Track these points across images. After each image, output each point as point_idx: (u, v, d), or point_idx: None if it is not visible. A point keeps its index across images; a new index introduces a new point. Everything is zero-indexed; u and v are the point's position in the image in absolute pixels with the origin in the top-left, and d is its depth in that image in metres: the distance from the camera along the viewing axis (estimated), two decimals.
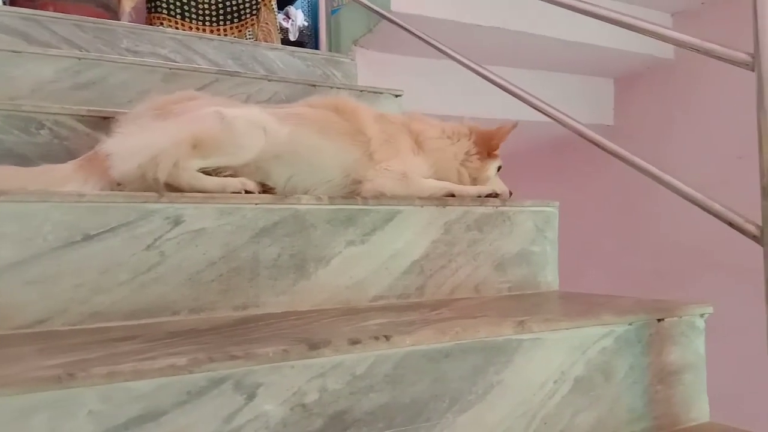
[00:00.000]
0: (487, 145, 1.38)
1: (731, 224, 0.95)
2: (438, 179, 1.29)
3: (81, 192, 0.89)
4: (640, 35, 1.11)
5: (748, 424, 0.96)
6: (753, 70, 0.90)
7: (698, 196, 0.99)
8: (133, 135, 1.01)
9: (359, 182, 1.19)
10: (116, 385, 0.60)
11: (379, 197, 1.13)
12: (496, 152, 1.40)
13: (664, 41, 1.05)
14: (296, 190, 1.14)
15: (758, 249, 0.91)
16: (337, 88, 1.75)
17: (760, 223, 0.90)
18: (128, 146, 0.99)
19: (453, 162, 1.35)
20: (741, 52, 0.92)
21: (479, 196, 1.26)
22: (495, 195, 1.29)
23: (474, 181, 1.37)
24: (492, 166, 1.39)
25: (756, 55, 0.89)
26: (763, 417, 0.89)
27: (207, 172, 1.05)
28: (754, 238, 0.91)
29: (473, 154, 1.38)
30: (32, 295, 0.84)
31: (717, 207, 0.96)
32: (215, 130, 1.02)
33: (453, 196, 1.24)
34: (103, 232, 0.89)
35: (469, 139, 1.39)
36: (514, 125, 1.39)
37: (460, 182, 1.34)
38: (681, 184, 1.01)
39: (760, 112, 0.89)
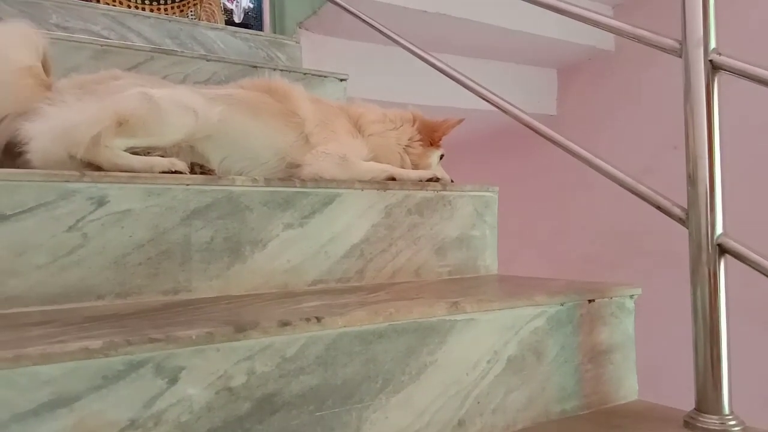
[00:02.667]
0: (430, 134, 1.38)
1: (659, 207, 0.97)
2: (383, 155, 1.29)
3: None
4: (582, 26, 1.13)
5: (674, 402, 0.99)
6: (680, 57, 0.92)
7: (628, 179, 1.01)
8: (52, 117, 0.95)
9: (297, 166, 1.17)
10: (22, 370, 0.57)
11: (318, 181, 1.12)
12: (440, 143, 1.40)
13: (598, 28, 1.07)
14: (230, 172, 1.11)
15: (684, 232, 0.94)
16: (281, 70, 1.71)
17: (686, 207, 0.93)
18: (47, 128, 0.93)
19: (395, 147, 1.34)
20: (669, 39, 0.94)
21: (420, 181, 1.26)
22: (436, 180, 1.29)
23: (416, 167, 1.37)
24: (434, 155, 1.40)
25: (683, 41, 0.91)
26: (687, 394, 0.93)
27: (136, 152, 1.00)
28: (680, 220, 0.94)
29: (416, 141, 1.38)
30: None
31: (645, 190, 0.98)
32: (141, 110, 0.98)
33: (394, 179, 1.24)
34: (19, 212, 0.84)
35: (413, 126, 1.39)
36: (460, 121, 1.40)
37: (402, 167, 1.34)
38: (612, 169, 1.04)
39: (687, 98, 0.91)
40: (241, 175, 1.11)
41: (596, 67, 2.76)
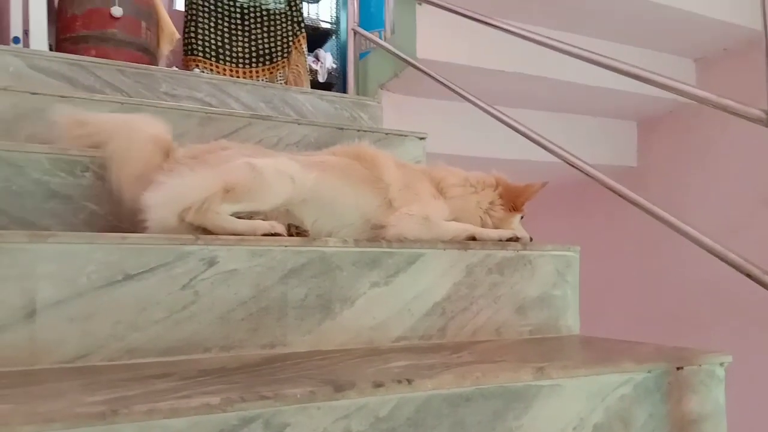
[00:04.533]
0: (513, 200, 1.40)
1: (749, 275, 0.96)
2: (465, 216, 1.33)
3: (124, 234, 0.94)
4: (671, 92, 1.14)
5: None
6: (767, 127, 0.93)
7: (717, 247, 1.00)
8: (169, 186, 1.07)
9: (381, 227, 1.23)
10: (154, 422, 0.64)
11: (403, 241, 1.17)
12: (522, 208, 1.43)
13: (681, 96, 1.08)
14: (321, 232, 1.18)
15: None
16: (364, 131, 1.81)
17: None
18: (164, 197, 1.05)
19: (476, 210, 1.38)
20: (756, 109, 0.95)
21: (500, 240, 1.29)
22: (516, 239, 1.31)
23: (496, 228, 1.40)
24: (516, 218, 1.42)
25: None
26: None
27: (240, 216, 1.10)
28: None
29: (498, 205, 1.40)
30: (74, 331, 0.89)
31: (735, 258, 0.98)
32: (246, 178, 1.08)
33: (474, 239, 1.27)
34: (142, 272, 0.94)
35: (495, 190, 1.41)
36: (543, 185, 1.42)
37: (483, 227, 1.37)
38: (699, 235, 1.03)
39: None
40: (330, 235, 1.18)
41: (678, 118, 2.71)
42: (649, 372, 0.96)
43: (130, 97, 1.73)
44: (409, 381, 0.79)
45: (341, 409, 0.74)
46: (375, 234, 1.24)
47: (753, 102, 0.97)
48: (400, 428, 0.78)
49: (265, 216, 1.13)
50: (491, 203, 1.39)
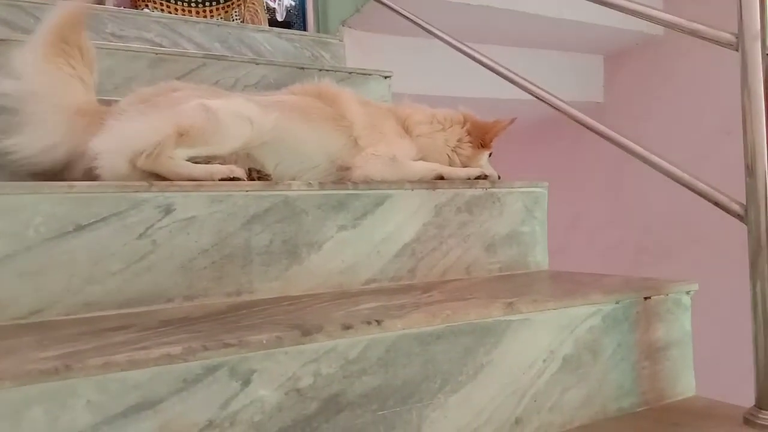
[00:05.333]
0: (481, 136, 1.38)
1: (717, 204, 0.96)
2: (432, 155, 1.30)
3: (71, 183, 0.88)
4: (638, 17, 1.11)
5: (733, 398, 0.98)
6: (737, 50, 0.90)
7: (684, 176, 1.00)
8: (117, 131, 1.00)
9: (347, 169, 1.19)
10: (112, 375, 0.61)
11: (369, 182, 1.14)
12: (491, 145, 1.40)
13: (651, 21, 1.05)
14: (284, 176, 1.14)
15: (743, 227, 0.92)
16: (326, 70, 1.74)
17: (745, 202, 0.91)
18: (114, 144, 0.99)
19: (443, 148, 1.35)
20: (726, 32, 0.92)
21: (468, 179, 1.27)
22: (484, 177, 1.30)
23: (464, 166, 1.37)
24: (484, 155, 1.40)
25: (740, 35, 0.89)
26: (746, 390, 0.92)
27: (197, 161, 1.05)
28: (738, 217, 0.93)
29: (466, 143, 1.38)
30: (26, 286, 0.84)
31: (703, 187, 0.97)
32: (200, 121, 1.02)
33: (443, 178, 1.25)
34: (94, 222, 0.89)
35: (463, 127, 1.39)
36: (512, 121, 1.40)
37: (451, 166, 1.35)
38: (667, 164, 1.02)
39: (744, 92, 0.90)
40: (294, 179, 1.14)
41: (644, 52, 2.69)
42: (617, 303, 0.97)
43: None
44: (379, 322, 0.77)
45: (310, 353, 0.73)
46: (341, 176, 1.20)
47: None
48: (370, 369, 0.77)
49: (223, 160, 1.08)
50: (459, 140, 1.37)
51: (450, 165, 1.34)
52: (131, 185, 0.91)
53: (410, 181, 1.18)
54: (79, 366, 0.60)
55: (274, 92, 1.28)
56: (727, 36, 0.92)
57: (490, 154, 1.41)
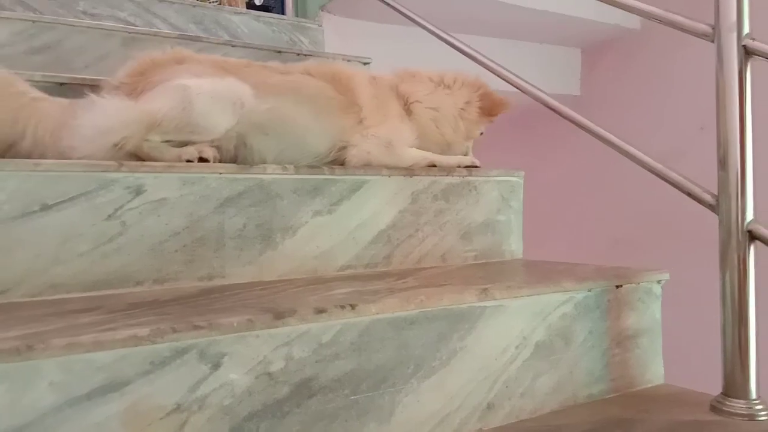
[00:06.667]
0: (491, 107, 1.38)
1: (689, 194, 0.97)
2: (435, 130, 1.31)
3: (37, 160, 0.86)
4: (607, 4, 1.12)
5: (701, 386, 1.00)
6: (713, 41, 0.91)
7: (658, 166, 1.01)
8: (97, 110, 0.97)
9: (344, 148, 1.18)
10: (77, 356, 0.60)
11: (364, 165, 1.14)
12: (494, 118, 1.40)
13: (628, 11, 1.06)
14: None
15: (715, 218, 0.94)
16: (304, 54, 1.71)
17: (717, 193, 0.93)
18: (90, 132, 0.96)
19: (452, 109, 1.34)
20: (702, 24, 0.93)
21: (459, 167, 1.27)
22: (475, 167, 1.30)
23: (466, 131, 1.37)
24: (482, 127, 1.40)
25: (716, 26, 0.90)
26: (715, 378, 0.94)
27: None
28: (710, 207, 0.94)
29: (475, 106, 1.37)
30: None
31: (676, 177, 0.98)
32: (174, 111, 0.99)
33: (434, 166, 1.25)
34: (61, 201, 0.87)
35: (476, 92, 1.38)
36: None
37: (455, 133, 1.35)
38: (642, 155, 1.03)
39: (719, 84, 0.91)
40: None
41: (622, 46, 2.71)
42: (589, 291, 0.98)
43: (43, 15, 1.57)
44: (353, 306, 0.77)
45: (282, 337, 0.72)
46: (337, 155, 1.18)
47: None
48: (343, 353, 0.76)
49: (211, 142, 1.05)
50: (467, 102, 1.35)
51: (454, 130, 1.34)
52: (100, 164, 0.89)
53: (399, 167, 1.18)
54: (42, 347, 0.58)
55: (292, 66, 1.24)
56: (703, 27, 0.93)
57: (481, 133, 1.41)
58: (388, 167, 1.16)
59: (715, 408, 0.91)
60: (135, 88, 1.05)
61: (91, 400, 0.61)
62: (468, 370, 0.85)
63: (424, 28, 1.71)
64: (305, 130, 1.14)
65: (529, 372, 0.91)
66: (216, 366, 0.67)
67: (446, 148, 1.35)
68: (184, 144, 1.02)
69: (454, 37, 1.61)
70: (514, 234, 1.33)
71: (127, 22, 1.71)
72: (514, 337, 0.90)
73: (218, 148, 1.05)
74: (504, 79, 1.40)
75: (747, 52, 0.89)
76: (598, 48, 2.81)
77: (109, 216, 0.89)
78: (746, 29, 0.89)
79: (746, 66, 0.89)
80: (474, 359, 0.86)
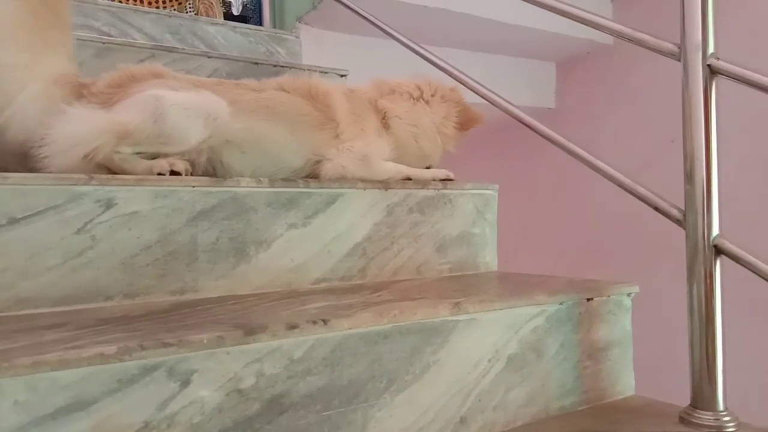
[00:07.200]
0: (468, 122, 1.40)
1: (657, 208, 0.99)
2: (414, 144, 1.32)
3: (4, 174, 0.84)
4: (584, 24, 1.14)
5: (671, 397, 1.02)
6: (680, 60, 0.93)
7: (626, 180, 1.03)
8: (69, 122, 0.96)
9: (319, 162, 1.18)
10: (42, 375, 0.58)
11: (339, 179, 1.14)
12: (468, 131, 1.41)
13: (598, 29, 1.08)
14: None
15: (683, 231, 0.95)
16: (281, 65, 1.71)
17: (683, 208, 0.94)
18: (62, 144, 0.94)
19: (430, 125, 1.35)
20: (669, 43, 0.95)
21: (434, 180, 1.28)
22: (450, 180, 1.31)
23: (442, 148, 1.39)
24: (458, 141, 1.41)
25: (682, 45, 0.93)
26: (684, 389, 0.95)
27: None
28: (677, 222, 0.96)
29: (452, 121, 1.38)
30: None
31: (644, 192, 1.00)
32: (145, 122, 0.98)
33: (410, 179, 1.25)
34: (30, 215, 0.85)
35: (454, 108, 1.40)
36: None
37: (434, 147, 1.37)
38: (611, 170, 1.05)
39: (686, 102, 0.93)
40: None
41: (595, 60, 2.76)
42: (561, 304, 0.99)
43: None
44: (325, 321, 0.77)
45: (253, 353, 0.71)
46: (312, 169, 1.18)
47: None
48: (315, 369, 0.76)
49: (182, 155, 1.04)
50: (445, 117, 1.37)
51: (433, 144, 1.35)
52: (70, 177, 0.88)
53: (373, 181, 1.18)
54: (6, 365, 0.57)
55: (265, 82, 1.22)
56: (670, 46, 0.95)
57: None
58: (363, 180, 1.17)
59: (683, 420, 0.92)
60: (110, 99, 1.04)
61: (56, 420, 0.60)
62: (441, 384, 0.85)
63: (399, 41, 1.72)
64: (281, 147, 1.14)
65: (501, 385, 0.91)
66: (185, 383, 0.67)
67: (423, 161, 1.37)
68: (155, 156, 1.01)
69: (429, 51, 1.63)
70: (488, 246, 1.34)
71: (102, 32, 1.69)
72: (487, 350, 0.90)
73: (191, 162, 1.04)
74: (476, 93, 1.42)
75: (712, 72, 0.91)
76: (573, 62, 2.86)
77: (79, 230, 0.88)
78: (711, 49, 0.91)
79: (711, 84, 0.91)
80: (447, 373, 0.86)
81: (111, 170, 0.98)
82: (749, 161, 2.12)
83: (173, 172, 0.99)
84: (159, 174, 0.97)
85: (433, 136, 1.36)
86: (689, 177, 0.93)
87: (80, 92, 1.05)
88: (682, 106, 0.93)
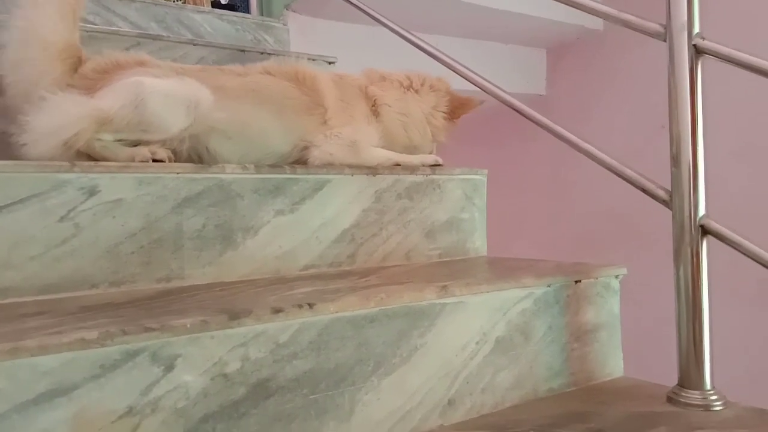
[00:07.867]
0: (457, 109, 1.39)
1: (644, 190, 0.99)
2: (403, 134, 1.32)
3: None
4: (570, 5, 1.13)
5: (659, 378, 1.02)
6: (665, 41, 0.93)
7: (614, 163, 1.03)
8: (49, 110, 0.95)
9: (306, 148, 1.17)
10: (21, 361, 0.58)
11: (327, 165, 1.13)
12: (458, 119, 1.41)
13: (585, 11, 1.07)
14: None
15: (669, 213, 0.96)
16: (268, 53, 1.70)
17: (670, 189, 0.95)
18: (41, 130, 0.94)
19: (420, 116, 1.35)
20: (654, 24, 0.95)
21: (423, 166, 1.27)
22: (439, 165, 1.30)
23: (434, 137, 1.39)
24: (448, 132, 1.41)
25: (668, 26, 0.92)
26: (672, 371, 0.96)
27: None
28: (663, 202, 0.96)
29: (441, 111, 1.38)
30: None
31: (630, 173, 1.00)
32: (126, 108, 0.97)
33: (399, 165, 1.25)
34: (12, 203, 0.84)
35: (443, 97, 1.39)
36: (481, 102, 1.41)
37: (423, 139, 1.36)
38: (598, 152, 1.05)
39: (671, 82, 0.93)
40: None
41: (585, 46, 2.76)
42: (548, 286, 0.99)
43: None
44: (311, 305, 0.76)
45: (237, 338, 0.71)
46: (300, 155, 1.18)
47: None
48: (302, 353, 0.76)
49: (164, 143, 1.03)
50: (434, 107, 1.36)
51: (422, 136, 1.35)
52: (52, 165, 0.87)
53: (361, 167, 1.17)
54: None
55: (250, 67, 1.22)
56: (656, 27, 0.95)
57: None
58: (351, 166, 1.16)
59: (671, 399, 0.93)
60: (94, 84, 1.03)
61: (38, 406, 0.59)
62: (428, 367, 0.85)
63: (389, 28, 1.71)
64: (268, 132, 1.14)
65: (489, 367, 0.91)
66: (169, 368, 0.66)
67: (412, 150, 1.36)
68: (136, 144, 1.00)
69: (419, 38, 1.62)
70: (477, 232, 1.34)
71: (86, 21, 1.67)
72: (474, 333, 0.90)
73: (173, 151, 1.03)
74: (467, 79, 1.41)
75: (698, 51, 0.91)
76: (563, 48, 2.85)
77: (62, 218, 0.87)
78: (696, 29, 0.91)
79: (697, 64, 0.91)
80: (434, 356, 0.86)
81: (93, 158, 0.97)
82: (738, 147, 2.12)
83: (156, 161, 0.98)
84: (141, 161, 0.96)
85: (422, 126, 1.36)
86: (675, 158, 0.93)
87: (75, 68, 1.05)
88: (668, 88, 0.93)
